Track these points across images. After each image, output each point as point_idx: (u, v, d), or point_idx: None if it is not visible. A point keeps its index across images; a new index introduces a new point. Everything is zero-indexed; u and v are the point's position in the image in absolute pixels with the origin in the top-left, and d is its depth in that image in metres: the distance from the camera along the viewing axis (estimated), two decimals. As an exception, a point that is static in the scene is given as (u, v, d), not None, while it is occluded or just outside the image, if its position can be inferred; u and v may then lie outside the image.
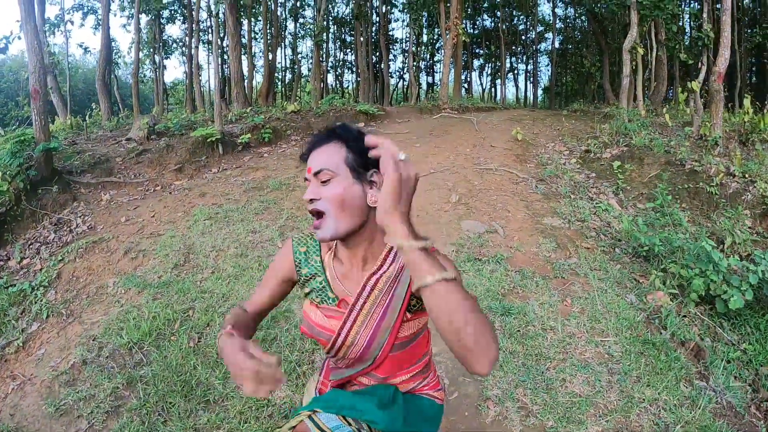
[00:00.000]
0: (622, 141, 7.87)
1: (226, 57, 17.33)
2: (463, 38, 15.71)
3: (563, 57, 29.05)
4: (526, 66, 30.48)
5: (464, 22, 25.52)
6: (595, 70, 21.83)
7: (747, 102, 9.01)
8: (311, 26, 24.56)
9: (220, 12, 15.90)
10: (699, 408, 2.40)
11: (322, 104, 11.71)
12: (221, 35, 17.64)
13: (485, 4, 28.12)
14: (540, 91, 30.53)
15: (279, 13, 20.25)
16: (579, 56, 28.43)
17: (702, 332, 3.33)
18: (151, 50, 18.84)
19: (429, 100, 18.41)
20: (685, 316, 3.47)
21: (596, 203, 5.81)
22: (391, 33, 27.76)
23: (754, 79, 20.52)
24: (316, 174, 1.25)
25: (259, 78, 21.42)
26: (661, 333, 3.10)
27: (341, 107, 11.26)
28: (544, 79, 31.12)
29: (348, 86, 30.46)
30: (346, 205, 1.23)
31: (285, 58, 25.55)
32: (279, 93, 24.21)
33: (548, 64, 28.38)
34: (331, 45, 25.89)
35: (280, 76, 24.01)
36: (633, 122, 8.79)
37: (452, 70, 16.83)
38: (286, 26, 23.97)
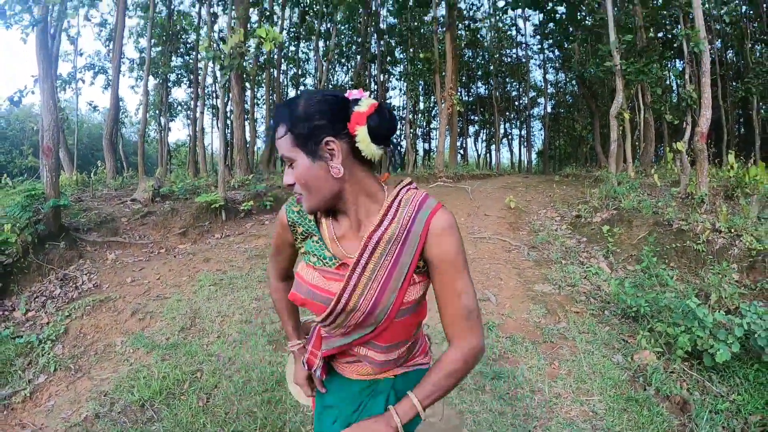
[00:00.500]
0: (612, 204, 8.11)
1: (229, 122, 18.04)
2: (458, 108, 16.36)
3: (556, 121, 29.88)
4: (520, 131, 31.31)
5: (459, 90, 26.53)
6: (587, 133, 22.44)
7: (731, 158, 9.38)
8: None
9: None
10: (680, 461, 2.52)
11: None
12: (226, 101, 18.40)
13: (479, 72, 29.24)
14: (534, 155, 31.23)
15: (281, 80, 21.07)
16: (571, 120, 29.24)
17: (690, 386, 3.45)
18: (157, 112, 19.47)
19: (426, 168, 18.96)
20: (672, 372, 3.62)
21: (587, 267, 5.97)
22: (388, 101, 28.69)
23: (742, 130, 20.98)
24: (286, 159, 1.28)
25: (260, 143, 22.14)
26: (645, 389, 3.24)
27: (340, 176, 11.66)
28: (538, 143, 31.91)
29: (347, 153, 31.24)
30: (311, 184, 1.26)
31: (286, 124, 26.17)
32: (279, 159, 24.86)
33: (541, 129, 29.16)
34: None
35: (281, 141, 24.58)
36: (623, 185, 9.07)
37: (448, 138, 17.44)
38: (287, 93, 24.88)
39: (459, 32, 23.98)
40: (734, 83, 18.70)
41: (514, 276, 5.49)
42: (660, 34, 15.08)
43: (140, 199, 8.82)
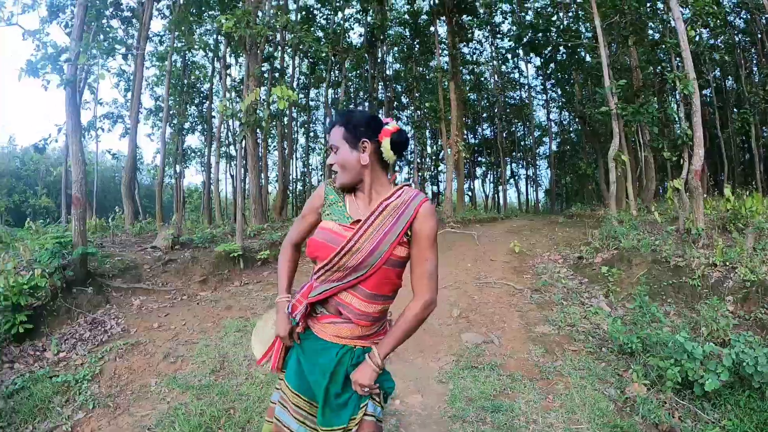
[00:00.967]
0: (612, 244, 8.41)
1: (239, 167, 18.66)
2: (464, 154, 16.84)
3: (561, 159, 30.21)
4: (527, 170, 31.70)
5: (465, 132, 27.15)
6: (591, 171, 22.76)
7: (728, 191, 9.66)
8: (321, 139, 26.29)
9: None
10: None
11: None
12: (243, 158, 18.97)
13: (484, 115, 29.91)
14: (542, 194, 31.56)
15: (292, 127, 21.82)
16: (576, 158, 29.57)
17: (682, 415, 3.71)
18: (172, 159, 20.01)
19: (434, 214, 19.43)
20: (665, 402, 3.93)
21: (587, 307, 6.26)
22: (395, 146, 29.29)
23: (747, 156, 21.00)
24: (330, 147, 1.93)
25: (270, 188, 22.70)
26: (634, 419, 3.57)
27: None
28: (546, 181, 32.26)
29: (358, 199, 31.69)
30: (346, 166, 1.89)
31: (296, 170, 26.88)
32: (291, 204, 25.41)
33: (548, 167, 29.56)
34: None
35: (291, 188, 25.28)
36: (624, 223, 9.38)
37: (455, 181, 17.91)
38: (298, 140, 25.58)
39: (463, 77, 24.75)
40: (735, 109, 19.01)
41: (517, 319, 5.83)
42: (656, 70, 15.54)
43: (161, 247, 9.22)
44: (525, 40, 16.86)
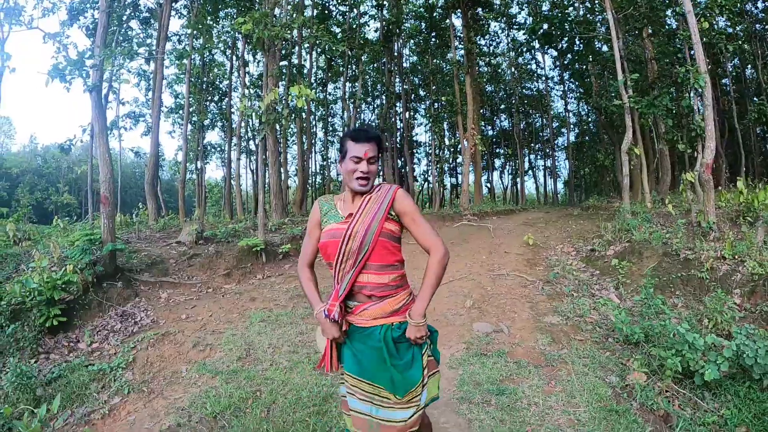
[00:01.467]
0: (624, 237, 8.52)
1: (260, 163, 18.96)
2: (480, 147, 16.95)
3: (580, 150, 30.05)
4: (545, 162, 31.66)
5: (483, 124, 27.17)
6: (609, 163, 22.67)
7: (740, 183, 9.69)
8: (339, 132, 26.53)
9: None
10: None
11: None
12: (264, 155, 19.22)
13: (502, 107, 29.88)
14: (561, 185, 31.47)
15: (311, 121, 22.11)
16: (594, 149, 29.35)
17: (682, 403, 3.93)
18: (194, 156, 20.49)
19: (452, 207, 19.55)
20: (667, 391, 4.13)
21: (596, 299, 6.43)
22: (414, 137, 29.35)
23: (766, 147, 20.82)
24: (370, 159, 2.29)
25: (290, 183, 23.06)
26: (631, 404, 3.79)
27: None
28: (564, 173, 32.13)
29: (375, 192, 31.81)
30: (376, 174, 2.34)
31: (315, 164, 27.12)
32: (311, 198, 25.75)
33: (566, 159, 29.46)
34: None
35: (310, 181, 25.66)
36: (638, 216, 9.47)
37: (473, 173, 18.05)
38: (316, 133, 25.85)
39: (480, 68, 24.76)
40: (755, 99, 18.63)
41: (527, 309, 6.06)
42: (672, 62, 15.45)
43: (185, 242, 9.58)
44: (540, 32, 16.84)
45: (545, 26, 16.51)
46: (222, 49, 19.86)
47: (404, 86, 24.00)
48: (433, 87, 24.60)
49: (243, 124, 18.45)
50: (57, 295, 6.17)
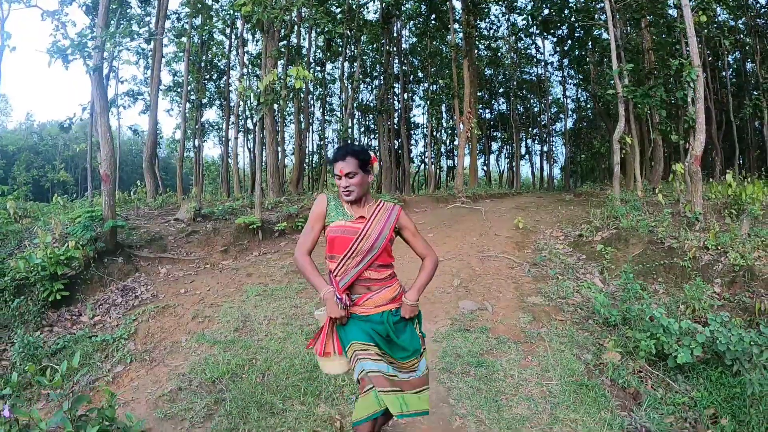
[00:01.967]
0: (612, 224, 8.70)
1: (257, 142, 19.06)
2: (476, 131, 17.08)
3: (577, 137, 30.18)
4: (542, 147, 31.79)
5: (481, 107, 27.20)
6: (605, 150, 22.85)
7: (729, 176, 9.89)
8: (337, 112, 26.59)
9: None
10: (613, 428, 3.32)
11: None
12: (262, 134, 19.25)
13: (500, 90, 29.89)
14: (558, 170, 31.63)
15: (309, 101, 22.11)
16: (591, 136, 29.47)
17: (655, 384, 4.20)
18: (191, 134, 20.49)
19: (447, 189, 19.71)
20: (641, 371, 4.38)
21: (581, 282, 6.65)
22: (412, 119, 29.33)
23: (762, 141, 20.74)
24: (347, 174, 2.53)
25: (287, 162, 23.12)
26: (602, 380, 4.05)
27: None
28: (561, 158, 32.28)
29: (371, 172, 31.89)
30: (362, 185, 2.57)
31: (312, 143, 27.17)
32: (307, 177, 25.87)
33: (563, 144, 29.60)
34: (355, 130, 27.69)
35: (307, 160, 25.77)
36: (628, 203, 9.69)
37: (468, 157, 18.19)
38: (313, 113, 25.90)
39: (479, 52, 24.74)
40: (755, 93, 18.80)
41: (512, 290, 6.30)
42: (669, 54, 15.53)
43: (183, 219, 9.76)
44: (540, 17, 16.88)
45: (545, 12, 16.53)
46: (221, 28, 19.81)
47: (403, 68, 23.97)
48: (432, 69, 24.59)
49: (241, 102, 18.50)
50: (60, 270, 6.36)
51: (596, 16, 15.28)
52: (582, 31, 18.43)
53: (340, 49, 20.36)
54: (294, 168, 18.46)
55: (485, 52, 26.84)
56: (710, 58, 19.16)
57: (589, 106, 28.69)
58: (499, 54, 28.10)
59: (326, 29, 14.50)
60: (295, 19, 14.70)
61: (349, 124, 20.13)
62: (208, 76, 20.89)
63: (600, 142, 23.71)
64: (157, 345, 5.26)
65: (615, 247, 7.67)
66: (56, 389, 2.55)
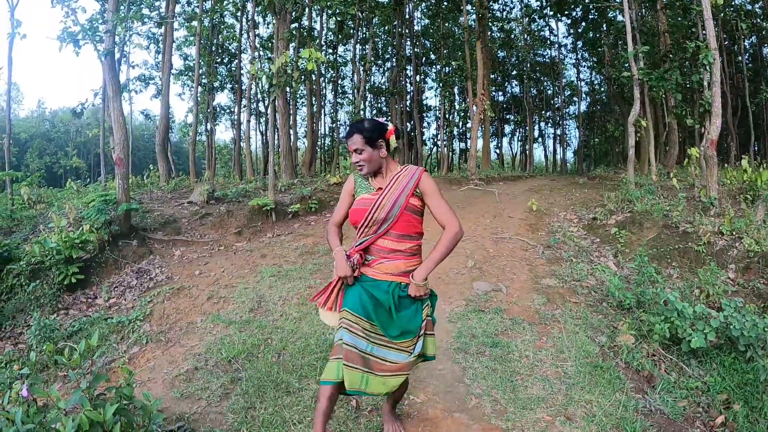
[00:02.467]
0: (626, 207, 8.65)
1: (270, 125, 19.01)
2: (489, 113, 16.97)
3: (591, 120, 29.90)
4: (555, 130, 31.51)
5: (494, 89, 26.97)
6: (619, 134, 22.60)
7: (744, 162, 9.80)
8: (349, 95, 26.50)
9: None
10: (627, 409, 3.32)
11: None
12: (274, 118, 19.18)
13: (513, 72, 29.61)
14: (571, 154, 31.37)
15: (321, 83, 22.08)
16: (605, 119, 29.17)
17: (668, 368, 4.20)
18: (204, 118, 20.57)
19: (460, 171, 19.64)
20: (654, 355, 4.38)
21: (595, 265, 6.61)
22: (424, 101, 29.16)
23: None
24: (355, 150, 2.63)
25: (299, 144, 23.11)
26: (617, 363, 4.04)
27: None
28: (575, 142, 32.01)
29: (384, 155, 31.80)
30: (371, 161, 2.65)
31: (324, 126, 27.14)
32: (319, 159, 25.86)
33: (577, 127, 29.34)
34: (367, 113, 27.61)
35: (320, 143, 25.71)
36: (643, 187, 9.62)
37: (481, 139, 18.09)
38: (325, 96, 25.85)
39: (492, 34, 24.47)
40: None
41: (526, 271, 6.29)
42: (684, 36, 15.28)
43: (197, 202, 9.85)
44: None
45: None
46: (232, 11, 19.73)
47: (415, 50, 23.80)
48: (445, 51, 24.38)
49: (252, 86, 18.47)
50: (75, 253, 6.44)
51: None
52: (596, 13, 18.19)
53: (351, 31, 20.22)
54: (306, 150, 18.48)
55: (498, 34, 26.58)
56: (726, 42, 18.85)
57: (603, 89, 28.36)
58: (513, 36, 27.82)
59: (338, 11, 14.38)
60: (307, 0, 14.59)
61: (361, 107, 20.07)
62: (219, 60, 20.81)
63: (614, 126, 23.40)
64: (172, 326, 5.32)
65: (629, 231, 7.62)
66: (75, 368, 2.57)
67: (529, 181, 15.27)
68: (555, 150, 31.60)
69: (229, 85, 22.70)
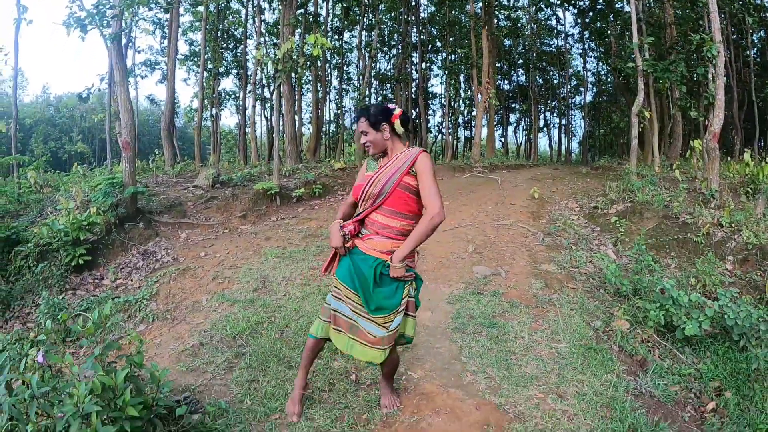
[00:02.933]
0: (628, 197, 8.72)
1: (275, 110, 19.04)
2: (494, 102, 16.98)
3: (596, 111, 29.81)
4: (560, 120, 31.45)
5: (500, 78, 26.88)
6: (624, 125, 22.58)
7: (747, 156, 9.85)
8: (355, 81, 26.48)
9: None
10: (618, 390, 3.42)
11: (365, 163, 13.20)
12: (280, 103, 19.20)
13: (520, 61, 29.50)
14: (576, 144, 31.32)
15: (326, 69, 22.11)
16: (611, 110, 29.09)
17: (662, 354, 4.29)
18: (209, 104, 20.74)
19: (463, 159, 19.68)
20: (648, 341, 4.47)
21: (594, 253, 6.70)
22: (430, 88, 29.11)
23: None
24: (362, 132, 2.89)
25: (304, 130, 23.14)
26: (611, 346, 4.13)
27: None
28: (580, 132, 31.93)
29: (388, 142, 31.81)
30: (375, 143, 2.88)
31: (329, 112, 27.18)
32: (324, 145, 25.90)
33: (582, 118, 29.26)
34: (372, 99, 27.56)
35: (324, 129, 25.78)
36: (645, 178, 9.65)
37: (486, 127, 18.11)
38: (331, 82, 25.87)
39: (499, 22, 24.37)
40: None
41: (526, 257, 6.37)
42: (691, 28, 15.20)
43: (202, 186, 9.98)
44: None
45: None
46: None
47: (421, 37, 23.73)
48: (450, 39, 24.31)
49: (258, 71, 18.51)
50: (82, 235, 6.58)
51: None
52: (604, 3, 18.10)
53: (357, 17, 20.20)
54: (311, 136, 18.55)
55: (505, 23, 26.45)
56: (735, 36, 18.73)
57: (609, 80, 28.22)
58: (519, 25, 27.68)
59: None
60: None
61: (367, 93, 20.10)
62: (224, 45, 20.83)
63: (619, 117, 23.43)
64: (178, 305, 5.46)
65: (629, 220, 7.69)
66: (89, 336, 2.70)
67: (532, 170, 15.33)
68: (560, 140, 31.63)
69: (234, 71, 22.67)
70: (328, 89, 23.96)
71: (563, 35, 26.51)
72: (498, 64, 24.88)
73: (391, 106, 2.92)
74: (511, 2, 25.66)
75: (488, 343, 4.07)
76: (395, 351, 3.04)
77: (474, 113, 27.14)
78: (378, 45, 21.76)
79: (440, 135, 31.53)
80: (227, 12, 20.20)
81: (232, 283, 5.84)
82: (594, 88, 30.02)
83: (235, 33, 21.63)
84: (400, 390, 3.39)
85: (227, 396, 3.38)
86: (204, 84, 16.77)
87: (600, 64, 28.12)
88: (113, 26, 7.95)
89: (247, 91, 19.89)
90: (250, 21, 20.41)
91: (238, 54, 21.46)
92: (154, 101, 23.07)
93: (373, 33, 19.89)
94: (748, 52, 18.85)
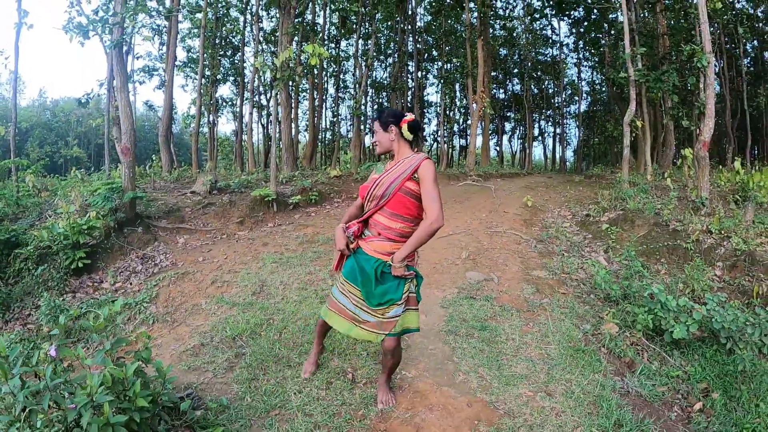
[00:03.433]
0: (619, 205, 8.89)
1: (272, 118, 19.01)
2: (489, 111, 17.15)
3: (591, 120, 30.05)
4: (555, 129, 31.67)
5: (495, 87, 27.09)
6: (618, 134, 22.75)
7: (737, 164, 10.03)
8: (351, 90, 26.64)
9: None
10: (605, 389, 3.53)
11: (360, 171, 13.36)
12: (277, 111, 19.33)
13: (515, 70, 29.76)
14: (570, 153, 31.52)
15: (323, 78, 22.24)
16: (605, 120, 29.29)
17: (650, 357, 4.42)
18: (206, 110, 20.65)
19: (458, 167, 19.83)
20: (637, 344, 4.59)
21: (585, 260, 6.85)
22: (425, 97, 29.28)
23: None
24: (373, 132, 3.11)
25: (300, 138, 23.31)
26: (600, 348, 4.26)
27: (378, 175, 12.85)
28: (574, 141, 32.18)
29: (384, 151, 31.99)
30: (381, 142, 3.07)
31: (326, 120, 27.34)
32: (320, 153, 26.03)
33: (577, 127, 29.48)
34: (368, 108, 27.79)
35: (321, 137, 25.88)
36: (637, 186, 9.83)
37: (480, 136, 18.28)
38: (327, 90, 26.00)
39: (494, 32, 24.59)
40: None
41: (518, 263, 6.51)
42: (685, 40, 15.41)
43: (200, 192, 10.07)
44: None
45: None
46: (237, 4, 19.88)
47: (417, 46, 23.94)
48: (446, 48, 24.54)
49: (255, 79, 18.61)
50: (82, 239, 6.65)
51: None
52: (598, 13, 18.34)
53: (354, 26, 20.37)
54: (307, 144, 18.67)
55: (500, 32, 26.70)
56: (728, 45, 18.99)
57: (603, 89, 28.46)
58: (514, 34, 27.94)
59: (341, 6, 14.56)
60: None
61: (363, 102, 20.23)
62: (222, 53, 21.00)
63: (613, 126, 23.55)
64: (178, 308, 5.56)
65: (621, 228, 7.84)
66: (100, 332, 2.81)
67: (526, 179, 15.53)
68: (555, 149, 31.84)
69: (231, 78, 22.85)
70: (324, 97, 24.11)
71: (558, 45, 26.79)
72: (493, 73, 25.16)
73: (406, 113, 3.11)
74: (507, 12, 25.91)
75: (480, 344, 4.21)
76: (400, 346, 3.20)
77: (469, 122, 27.35)
78: (374, 54, 21.94)
79: (435, 143, 31.68)
80: (225, 20, 20.37)
81: (230, 287, 5.94)
82: (588, 98, 30.27)
83: (233, 40, 21.82)
84: (395, 388, 3.50)
85: (228, 393, 3.48)
86: (202, 90, 16.89)
87: (594, 73, 28.44)
88: (115, 33, 8.05)
89: (245, 98, 20.02)
90: (248, 29, 20.59)
91: (236, 61, 21.64)
92: (152, 107, 23.17)
93: (369, 42, 20.05)
94: (740, 62, 19.12)
